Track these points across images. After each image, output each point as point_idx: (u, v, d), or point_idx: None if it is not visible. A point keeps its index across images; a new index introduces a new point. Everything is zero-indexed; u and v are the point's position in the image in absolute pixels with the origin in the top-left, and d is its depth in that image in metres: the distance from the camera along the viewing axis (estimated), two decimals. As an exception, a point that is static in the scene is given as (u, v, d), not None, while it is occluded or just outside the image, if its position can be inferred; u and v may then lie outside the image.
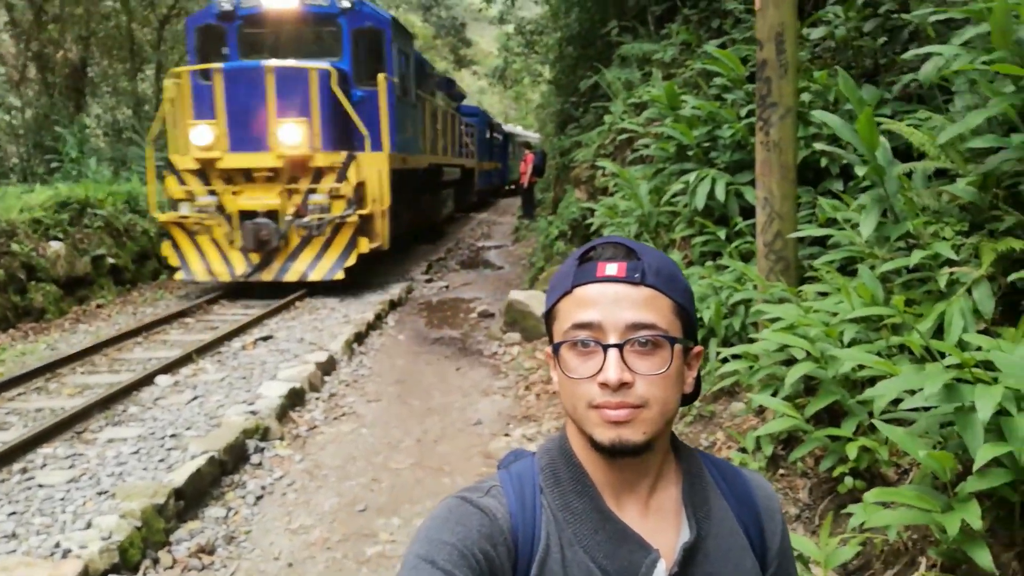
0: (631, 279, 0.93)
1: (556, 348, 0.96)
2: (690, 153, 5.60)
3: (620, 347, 0.90)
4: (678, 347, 0.94)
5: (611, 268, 0.94)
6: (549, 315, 1.00)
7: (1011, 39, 2.44)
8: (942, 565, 2.32)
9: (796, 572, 1.09)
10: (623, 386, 0.90)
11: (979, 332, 2.64)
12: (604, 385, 0.90)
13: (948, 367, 2.30)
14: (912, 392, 2.35)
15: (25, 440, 4.35)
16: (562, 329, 0.95)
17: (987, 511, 2.32)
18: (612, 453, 0.92)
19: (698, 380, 1.03)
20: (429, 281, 11.28)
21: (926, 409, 2.49)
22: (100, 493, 3.82)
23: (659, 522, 0.98)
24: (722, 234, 4.95)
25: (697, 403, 4.18)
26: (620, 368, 0.89)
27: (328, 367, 6.46)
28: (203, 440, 4.52)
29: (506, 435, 5.11)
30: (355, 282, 9.75)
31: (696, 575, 0.95)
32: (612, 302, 0.92)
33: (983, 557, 1.97)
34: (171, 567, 3.40)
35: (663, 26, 9.45)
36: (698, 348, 1.00)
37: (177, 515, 3.77)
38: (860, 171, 3.10)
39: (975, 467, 1.96)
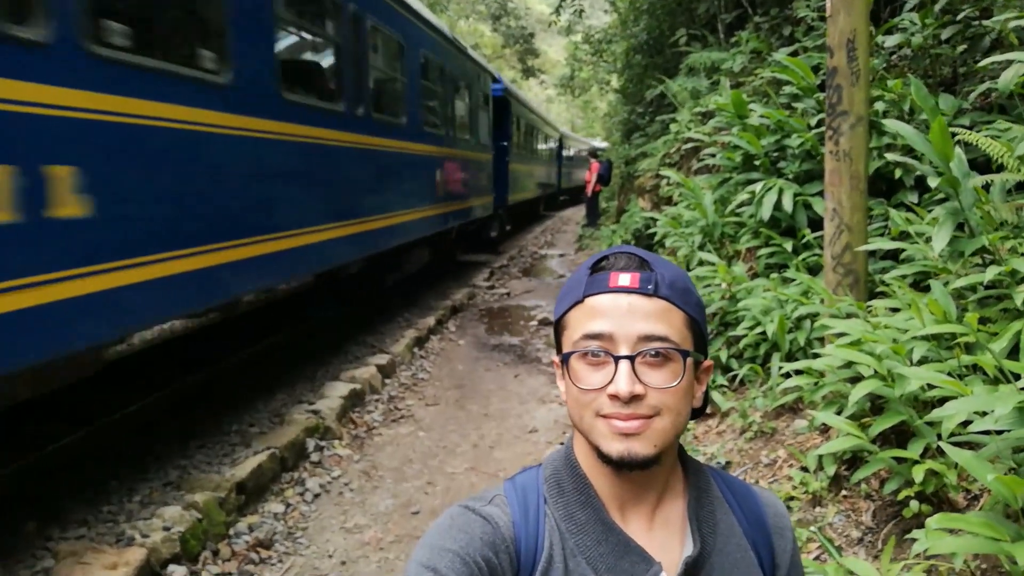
0: (644, 290, 0.92)
1: (566, 358, 0.95)
2: (757, 163, 5.49)
3: (632, 359, 0.89)
4: (690, 360, 0.93)
5: (624, 278, 0.93)
6: (559, 324, 0.99)
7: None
8: (1013, 597, 2.20)
9: None
10: (634, 398, 0.89)
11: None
12: (614, 397, 0.89)
13: (1023, 389, 2.20)
14: (983, 414, 2.25)
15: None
16: (572, 339, 0.94)
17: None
18: (620, 466, 0.91)
19: (706, 394, 1.02)
20: (491, 288, 11.34)
21: (999, 433, 2.38)
22: (166, 484, 3.95)
23: (664, 536, 0.97)
24: (788, 246, 4.83)
25: (758, 419, 4.08)
26: (631, 380, 0.89)
27: (389, 370, 6.55)
28: (266, 437, 4.64)
29: (561, 443, 5.08)
30: (418, 287, 9.89)
31: None
32: (624, 313, 0.91)
33: (1056, 591, 1.86)
34: (229, 559, 3.49)
35: (733, 34, 9.31)
36: (708, 362, 1.00)
37: (238, 508, 3.87)
38: (933, 183, 2.98)
39: (1049, 495, 1.85)
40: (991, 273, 2.61)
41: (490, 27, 35.89)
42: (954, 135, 3.17)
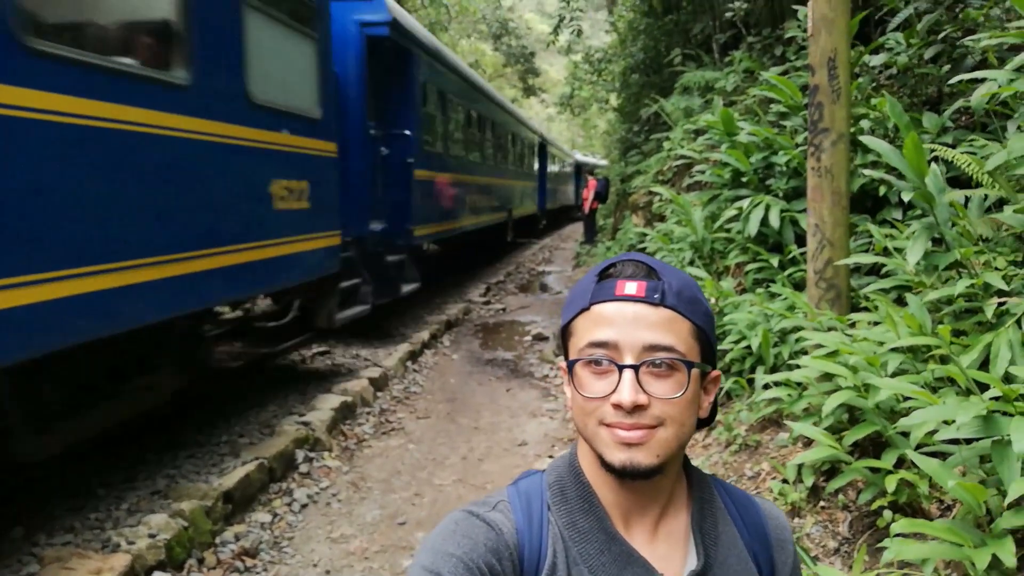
0: (650, 299, 0.91)
1: (571, 365, 0.94)
2: (745, 179, 5.56)
3: (636, 368, 0.89)
4: (695, 371, 0.92)
5: (630, 287, 0.92)
6: (565, 331, 0.98)
7: (1063, 64, 2.38)
8: (980, 605, 2.23)
9: None
10: (638, 408, 0.88)
11: (1029, 365, 2.55)
12: (618, 406, 0.88)
13: (993, 399, 2.24)
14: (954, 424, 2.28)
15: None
16: (578, 346, 0.94)
17: (1031, 552, 2.23)
18: (622, 475, 0.90)
19: (714, 405, 1.01)
20: (487, 303, 11.39)
21: (968, 443, 2.42)
22: (154, 493, 3.98)
23: (667, 548, 0.97)
24: (775, 261, 4.88)
25: (743, 432, 4.11)
26: (635, 390, 0.88)
27: (381, 383, 6.58)
28: (255, 447, 4.67)
29: (550, 456, 5.11)
30: (415, 301, 9.93)
31: None
32: (630, 322, 0.90)
33: (1016, 596, 1.89)
34: (215, 567, 3.52)
35: (727, 54, 9.43)
36: (715, 372, 0.99)
37: (224, 518, 3.90)
38: (906, 197, 3.03)
39: (1006, 501, 1.89)
40: (960, 286, 2.66)
41: (491, 46, 36.26)
42: (931, 151, 3.23)
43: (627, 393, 0.87)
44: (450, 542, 0.89)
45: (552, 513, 0.96)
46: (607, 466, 0.90)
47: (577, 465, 0.99)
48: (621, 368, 0.89)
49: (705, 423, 1.00)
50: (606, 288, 0.93)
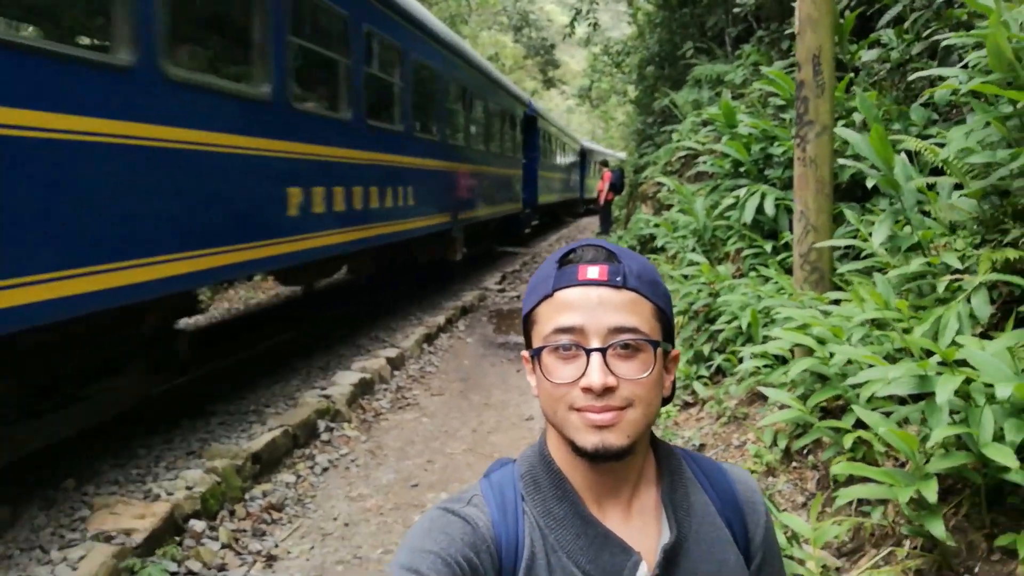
0: (613, 282, 0.92)
1: (536, 352, 0.95)
2: (744, 169, 5.82)
3: (603, 351, 0.90)
4: (659, 350, 0.94)
5: (593, 271, 0.93)
6: (528, 319, 0.99)
7: (1005, 62, 2.64)
8: (922, 545, 2.52)
9: (781, 562, 1.09)
10: (607, 391, 0.89)
11: (976, 336, 2.82)
12: (587, 390, 0.89)
13: (940, 364, 2.52)
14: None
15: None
16: (543, 333, 0.94)
17: (966, 499, 2.51)
18: (594, 458, 0.91)
19: (674, 383, 1.03)
20: (501, 291, 11.71)
21: (915, 403, 2.70)
22: (189, 453, 4.36)
23: (641, 524, 0.98)
24: (768, 247, 5.15)
25: (732, 405, 4.40)
26: (604, 372, 0.89)
27: (398, 362, 6.93)
28: (280, 416, 5.03)
29: (555, 430, 5.43)
30: (431, 289, 10.28)
31: (678, 575, 0.96)
32: (595, 306, 0.91)
33: (937, 527, 2.18)
34: (244, 518, 3.88)
35: (739, 47, 9.65)
36: (675, 351, 1.01)
37: (253, 476, 4.26)
38: (870, 183, 3.30)
39: (929, 444, 2.18)
40: (915, 264, 2.93)
41: (512, 38, 36.55)
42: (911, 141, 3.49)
43: (596, 376, 0.88)
44: (427, 540, 0.90)
45: (526, 503, 0.97)
46: (579, 450, 0.91)
47: (547, 453, 1.00)
48: (589, 352, 0.90)
49: (666, 401, 1.01)
50: (568, 274, 0.94)
